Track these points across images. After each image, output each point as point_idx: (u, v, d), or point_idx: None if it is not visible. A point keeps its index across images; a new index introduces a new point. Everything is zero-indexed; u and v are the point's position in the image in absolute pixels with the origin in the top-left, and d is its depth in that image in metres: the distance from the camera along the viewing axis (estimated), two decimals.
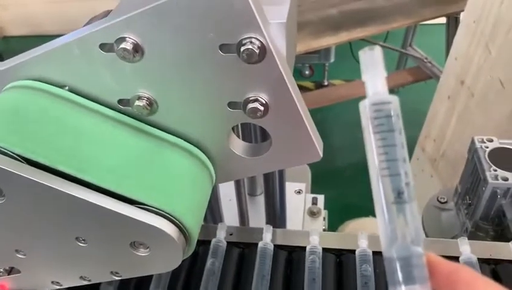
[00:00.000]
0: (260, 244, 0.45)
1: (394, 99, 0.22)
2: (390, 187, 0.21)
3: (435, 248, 0.45)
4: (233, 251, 0.45)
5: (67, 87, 0.34)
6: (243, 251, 0.46)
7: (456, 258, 0.44)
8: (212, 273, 0.43)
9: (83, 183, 0.31)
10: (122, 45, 0.30)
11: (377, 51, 0.23)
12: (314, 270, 0.43)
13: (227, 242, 0.45)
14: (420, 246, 0.22)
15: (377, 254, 0.44)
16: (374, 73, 0.22)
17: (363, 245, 0.45)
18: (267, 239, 0.45)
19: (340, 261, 0.45)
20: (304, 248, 0.45)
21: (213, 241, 0.46)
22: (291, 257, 0.46)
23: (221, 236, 0.46)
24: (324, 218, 0.66)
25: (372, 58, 0.23)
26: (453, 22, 1.70)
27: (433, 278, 0.21)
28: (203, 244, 0.46)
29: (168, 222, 0.32)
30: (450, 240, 0.46)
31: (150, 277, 0.44)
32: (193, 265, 0.45)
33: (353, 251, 0.44)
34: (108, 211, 0.31)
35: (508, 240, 0.47)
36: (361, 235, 0.45)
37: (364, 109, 0.22)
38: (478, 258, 0.43)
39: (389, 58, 2.14)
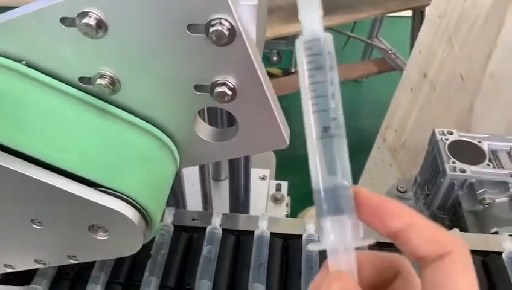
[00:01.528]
0: (257, 232, 0.45)
1: (326, 36, 0.23)
2: (318, 123, 0.22)
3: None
4: (229, 237, 0.46)
5: (24, 62, 0.32)
6: (238, 238, 0.46)
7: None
8: (209, 261, 0.43)
9: (38, 163, 0.30)
10: (85, 20, 0.28)
11: None
12: (312, 259, 0.43)
13: (175, 226, 0.46)
14: (347, 179, 0.22)
15: (277, 236, 0.46)
16: (310, 12, 0.23)
17: (310, 230, 0.46)
18: (263, 227, 0.45)
19: (239, 241, 0.46)
20: (300, 236, 0.46)
21: (208, 228, 0.45)
22: (286, 244, 0.46)
23: (216, 223, 0.46)
24: (287, 204, 0.66)
25: None
26: (419, 16, 1.73)
27: (362, 211, 0.22)
28: (198, 231, 0.46)
29: (127, 204, 0.31)
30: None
31: (143, 264, 0.43)
32: (187, 251, 0.45)
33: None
34: (64, 193, 0.29)
35: (463, 230, 0.49)
36: (262, 217, 0.47)
37: (299, 46, 0.23)
38: None
39: (355, 48, 2.18)
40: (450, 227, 0.61)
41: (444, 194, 0.58)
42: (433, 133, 0.62)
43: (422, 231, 0.21)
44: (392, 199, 0.22)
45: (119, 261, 0.43)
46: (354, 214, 0.22)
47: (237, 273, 0.43)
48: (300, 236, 0.46)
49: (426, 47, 1.16)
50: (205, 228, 0.46)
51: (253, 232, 0.46)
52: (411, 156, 1.15)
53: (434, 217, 0.60)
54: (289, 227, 0.47)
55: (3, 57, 0.32)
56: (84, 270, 0.42)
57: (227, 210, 0.55)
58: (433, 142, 0.62)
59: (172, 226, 0.46)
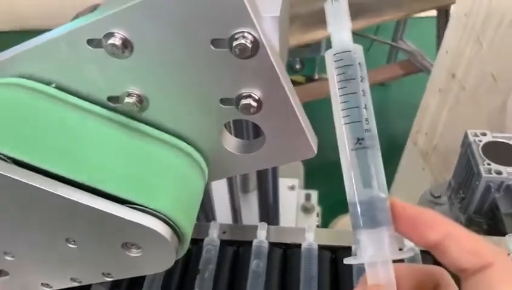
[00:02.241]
0: (255, 242, 0.44)
1: (357, 48, 0.22)
2: (351, 134, 0.21)
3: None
4: (227, 249, 0.45)
5: (54, 85, 0.33)
6: (237, 249, 0.45)
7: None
8: (258, 275, 0.42)
9: (72, 183, 0.30)
10: (111, 41, 0.29)
11: (343, 2, 0.23)
12: (363, 272, 0.41)
13: (221, 241, 0.45)
14: (383, 190, 0.21)
15: (324, 249, 0.45)
16: (339, 24, 0.23)
17: (309, 239, 0.44)
18: (261, 237, 0.44)
19: (336, 258, 0.44)
20: (299, 245, 0.44)
21: (205, 241, 0.45)
22: (286, 254, 0.45)
23: (214, 235, 0.45)
24: (318, 214, 0.66)
25: (338, 9, 0.23)
26: (444, 15, 1.70)
27: (398, 223, 0.21)
28: (196, 243, 0.45)
29: (160, 221, 0.31)
30: None
31: (143, 277, 0.43)
32: (187, 264, 0.44)
33: (349, 248, 0.44)
34: (98, 212, 0.30)
35: (501, 234, 0.47)
36: (308, 229, 0.45)
37: (329, 58, 0.22)
38: None
39: (379, 51, 2.15)
40: (488, 231, 0.59)
41: (480, 197, 0.56)
42: (466, 135, 0.60)
43: (462, 242, 0.20)
44: (427, 209, 0.22)
45: (168, 276, 0.43)
46: (391, 226, 0.21)
47: (287, 288, 0.43)
48: (349, 248, 0.44)
49: (453, 47, 1.14)
50: (251, 242, 0.45)
51: (299, 245, 0.44)
52: (443, 159, 1.12)
53: (471, 222, 0.58)
54: (337, 239, 0.46)
55: (34, 80, 0.33)
56: (134, 285, 0.43)
57: (256, 222, 0.55)
58: (466, 144, 0.60)
59: (219, 241, 0.45)
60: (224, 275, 0.43)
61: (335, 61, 0.22)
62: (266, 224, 0.45)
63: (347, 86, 0.22)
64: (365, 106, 0.22)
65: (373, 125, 0.22)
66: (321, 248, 0.44)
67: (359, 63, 0.22)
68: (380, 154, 0.22)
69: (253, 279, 0.41)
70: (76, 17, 0.41)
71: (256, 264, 0.42)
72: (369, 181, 0.21)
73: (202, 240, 0.44)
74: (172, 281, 0.43)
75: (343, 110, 0.22)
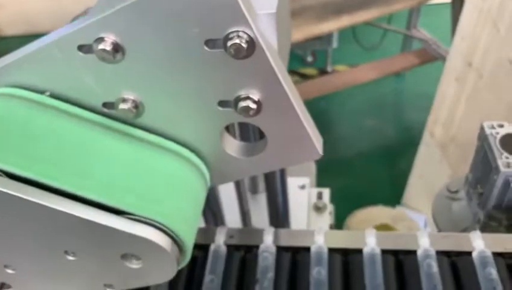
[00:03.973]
0: (261, 247, 0.43)
1: None
2: None
3: (446, 243, 0.43)
4: (235, 255, 0.43)
5: (48, 93, 0.32)
6: (244, 255, 0.44)
7: (469, 253, 0.41)
8: (321, 283, 0.40)
9: (68, 195, 0.29)
10: (101, 46, 0.28)
11: None
12: (433, 276, 0.39)
13: (228, 246, 0.43)
14: None
15: (387, 253, 0.42)
16: None
17: (425, 245, 0.42)
18: (268, 242, 0.43)
19: (347, 261, 0.43)
20: (309, 249, 0.42)
21: (313, 248, 0.42)
22: (295, 258, 0.43)
23: (320, 242, 0.43)
24: (330, 213, 0.64)
25: None
26: (458, 1, 1.65)
27: None
28: (202, 248, 0.44)
29: (159, 232, 0.30)
30: (462, 234, 0.44)
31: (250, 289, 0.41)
32: (193, 271, 0.43)
33: (360, 250, 0.42)
34: (95, 224, 0.29)
35: None
36: (369, 233, 0.43)
37: None
38: (492, 252, 0.41)
39: (393, 41, 2.11)
40: (508, 227, 0.56)
41: (499, 192, 0.54)
42: (482, 127, 0.58)
43: None
44: None
45: (226, 283, 0.42)
46: None
47: None
48: (360, 251, 0.42)
49: (469, 33, 1.10)
50: (308, 248, 0.43)
51: (308, 248, 0.43)
52: (462, 150, 1.09)
53: (490, 218, 0.56)
54: (400, 242, 0.43)
55: (26, 89, 0.32)
56: None
57: (267, 224, 0.54)
58: (482, 137, 0.58)
59: (275, 247, 0.43)
60: (231, 284, 0.42)
61: None
62: (273, 228, 0.43)
63: None
64: None
65: None
66: (331, 250, 0.42)
67: None
68: None
69: (316, 287, 0.40)
70: (74, 20, 0.40)
71: (318, 272, 0.40)
72: None
73: (209, 245, 0.43)
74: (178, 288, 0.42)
75: None
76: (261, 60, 0.28)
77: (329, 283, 0.40)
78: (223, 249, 0.43)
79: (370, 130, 1.78)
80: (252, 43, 0.27)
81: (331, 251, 0.42)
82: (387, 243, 0.43)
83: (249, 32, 0.26)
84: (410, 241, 0.43)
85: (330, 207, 0.64)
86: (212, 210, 0.51)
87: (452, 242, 0.43)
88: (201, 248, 0.43)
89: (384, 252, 0.42)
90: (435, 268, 0.39)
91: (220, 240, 0.43)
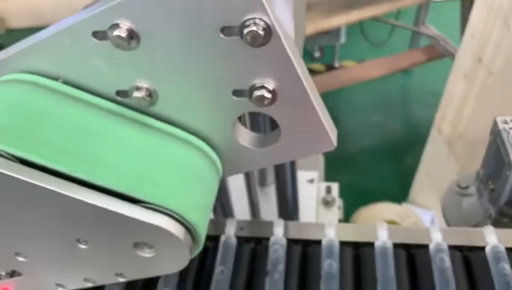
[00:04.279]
0: (272, 239, 0.43)
1: None
2: None
3: (459, 238, 0.42)
4: (245, 247, 0.43)
5: (61, 80, 0.32)
6: (254, 246, 0.44)
7: (481, 248, 0.41)
8: (332, 277, 0.40)
9: (81, 182, 0.29)
10: (116, 32, 0.28)
11: None
12: (445, 271, 0.39)
13: (238, 237, 0.43)
14: None
15: (398, 247, 0.42)
16: None
17: (437, 239, 0.41)
18: (279, 234, 0.42)
19: (358, 254, 0.42)
20: (319, 242, 0.42)
21: (324, 241, 0.42)
22: (305, 251, 0.43)
23: (331, 234, 0.42)
24: (339, 207, 0.63)
25: None
26: None
27: None
28: (213, 240, 0.44)
29: (172, 220, 0.30)
30: (474, 229, 0.43)
31: (261, 282, 0.41)
32: (203, 262, 0.43)
33: (371, 244, 0.42)
34: (109, 212, 0.29)
35: None
36: (380, 226, 0.42)
37: None
38: (505, 247, 0.41)
39: (401, 37, 2.10)
40: None
41: (511, 188, 0.53)
42: (495, 123, 0.57)
43: None
44: None
45: (236, 274, 0.42)
46: None
47: (254, 285, 0.41)
48: (372, 244, 0.42)
49: (479, 30, 1.09)
50: (318, 241, 0.42)
51: (371, 243, 0.42)
52: (469, 147, 1.09)
53: (502, 214, 0.55)
54: (412, 236, 0.43)
55: (41, 76, 0.31)
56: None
57: (275, 217, 0.53)
58: (495, 132, 0.57)
59: (285, 240, 0.43)
60: (241, 276, 0.41)
61: None
62: (283, 220, 0.43)
63: None
64: None
65: None
66: (342, 243, 0.42)
67: None
68: None
69: (327, 280, 0.40)
70: (85, 8, 0.39)
71: (329, 265, 0.40)
72: None
73: (219, 236, 0.43)
74: (188, 280, 0.42)
75: None
76: (277, 48, 0.27)
77: (340, 276, 0.40)
78: (233, 240, 0.43)
79: (376, 126, 1.77)
80: (268, 30, 0.26)
81: (342, 244, 0.42)
82: (398, 237, 0.42)
83: (266, 19, 0.26)
84: (422, 236, 0.42)
85: (339, 201, 0.64)
86: (221, 202, 0.51)
87: (464, 237, 0.42)
88: (212, 239, 0.43)
89: (396, 246, 0.42)
90: (447, 263, 0.39)
91: (230, 232, 0.43)
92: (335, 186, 0.66)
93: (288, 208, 0.52)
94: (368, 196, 1.24)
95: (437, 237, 0.41)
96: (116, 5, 0.27)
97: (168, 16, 0.27)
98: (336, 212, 0.62)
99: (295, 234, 0.43)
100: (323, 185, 0.65)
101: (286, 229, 0.43)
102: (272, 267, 0.40)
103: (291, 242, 0.43)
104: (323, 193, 0.64)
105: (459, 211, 0.62)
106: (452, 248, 0.41)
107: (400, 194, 1.42)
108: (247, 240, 0.44)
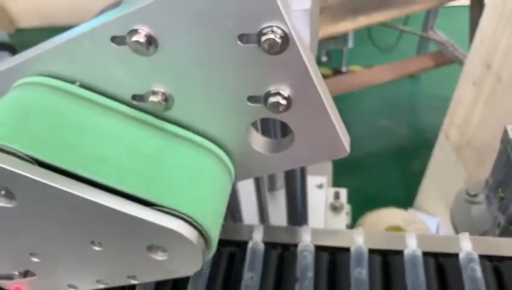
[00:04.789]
0: (300, 246, 0.43)
1: None
2: None
3: (487, 247, 0.42)
4: (272, 253, 0.43)
5: (78, 83, 0.32)
6: (282, 252, 0.44)
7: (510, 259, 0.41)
8: (362, 283, 0.40)
9: (97, 185, 0.29)
10: (135, 38, 0.28)
11: None
12: (477, 280, 0.39)
13: (265, 243, 0.43)
14: None
15: (427, 255, 0.42)
16: None
17: (467, 248, 0.41)
18: (307, 240, 0.43)
19: (387, 262, 0.42)
20: (348, 249, 0.42)
21: (353, 248, 0.42)
22: (334, 258, 0.43)
23: (360, 242, 0.43)
24: (347, 213, 0.63)
25: None
26: (477, 3, 1.63)
27: None
28: (240, 246, 0.44)
29: (186, 224, 0.30)
30: (504, 239, 0.43)
31: (186, 278, 0.42)
32: (230, 267, 0.43)
33: (400, 252, 0.42)
34: (123, 214, 0.29)
35: None
36: (409, 234, 0.42)
37: None
38: None
39: (409, 42, 2.09)
40: None
41: None
42: (505, 131, 0.57)
43: None
44: None
45: (263, 282, 0.42)
46: None
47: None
48: (455, 255, 0.42)
49: (489, 36, 1.09)
50: (347, 248, 0.42)
51: (400, 251, 0.42)
52: (477, 154, 1.08)
53: (511, 223, 0.55)
54: (441, 244, 0.43)
55: (58, 79, 0.32)
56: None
57: (284, 222, 0.54)
58: (505, 140, 0.57)
59: (313, 246, 0.43)
60: (323, 283, 0.41)
61: None
62: (310, 227, 0.43)
63: None
64: None
65: None
66: (371, 251, 0.42)
67: None
68: None
69: (356, 288, 0.40)
70: (101, 13, 0.40)
71: (359, 272, 0.40)
72: None
73: (246, 242, 0.43)
74: (216, 284, 0.42)
75: None
76: (294, 56, 0.28)
77: (369, 284, 0.40)
78: (261, 246, 0.43)
79: (384, 131, 1.77)
80: (286, 38, 0.27)
81: (370, 251, 0.42)
82: (427, 245, 0.42)
83: (284, 27, 0.26)
84: (451, 244, 0.42)
85: (347, 207, 0.64)
86: (230, 206, 0.51)
87: (493, 246, 0.42)
88: (238, 245, 0.44)
89: (424, 254, 0.42)
90: (479, 272, 0.39)
91: (257, 237, 0.43)
92: (343, 192, 0.66)
93: (297, 213, 0.52)
94: (374, 200, 1.24)
95: (467, 247, 0.41)
96: (135, 11, 0.28)
97: (187, 23, 0.27)
98: (344, 218, 0.62)
99: (323, 241, 0.43)
100: (332, 190, 0.65)
101: (314, 236, 0.43)
102: (301, 274, 0.40)
103: (318, 249, 0.43)
104: (331, 199, 0.64)
105: (468, 218, 0.62)
106: (481, 258, 0.41)
107: (407, 200, 1.42)
108: (273, 246, 0.44)
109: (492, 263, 0.42)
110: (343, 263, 0.42)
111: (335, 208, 0.62)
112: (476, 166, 1.09)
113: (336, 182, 0.86)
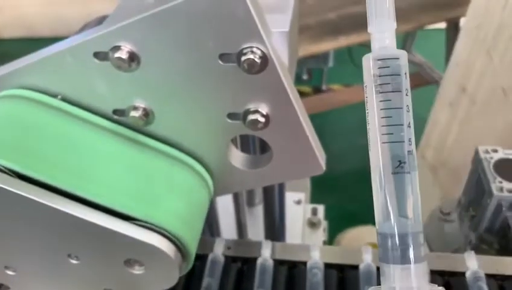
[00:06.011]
0: (259, 260, 0.43)
1: (403, 55, 0.19)
2: (390, 155, 0.19)
3: (441, 263, 0.43)
4: (232, 266, 0.43)
5: (60, 97, 0.33)
6: (242, 266, 0.44)
7: (462, 274, 0.42)
8: None
9: (75, 198, 0.30)
10: (117, 54, 0.29)
11: None
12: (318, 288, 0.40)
13: (225, 256, 0.44)
14: (418, 222, 0.19)
15: (433, 273, 0.42)
16: (382, 23, 0.19)
17: (474, 267, 0.41)
18: (266, 254, 0.43)
19: (343, 277, 0.43)
20: (305, 263, 0.43)
21: (210, 258, 0.43)
22: (292, 272, 0.44)
23: (218, 251, 0.44)
24: (324, 229, 0.64)
25: (382, 5, 0.19)
26: (453, 28, 1.69)
27: None
28: (200, 259, 0.44)
29: (163, 238, 0.30)
30: (456, 255, 0.44)
31: None
32: (189, 281, 0.43)
33: (356, 267, 0.42)
34: (101, 228, 0.29)
35: None
36: (365, 249, 0.43)
37: (368, 63, 0.19)
38: (485, 274, 0.42)
39: None
40: (499, 251, 0.57)
41: (491, 216, 0.55)
42: (477, 152, 0.59)
43: None
44: None
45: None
46: (425, 263, 0.19)
47: None
48: (356, 267, 0.42)
49: (463, 60, 1.12)
50: (356, 266, 0.42)
51: (305, 262, 0.43)
52: (453, 174, 1.11)
53: (481, 240, 0.57)
54: (447, 263, 0.43)
55: (40, 92, 0.32)
56: None
57: (262, 236, 0.54)
58: (476, 161, 0.59)
59: (323, 264, 0.43)
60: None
61: (379, 68, 0.19)
62: (270, 242, 0.44)
63: (391, 100, 0.19)
64: (409, 123, 0.19)
65: (414, 147, 0.20)
66: (328, 266, 0.43)
67: (405, 73, 0.20)
68: (417, 180, 0.20)
69: None
70: (83, 28, 0.40)
71: (260, 283, 0.41)
72: (405, 211, 0.19)
73: (207, 255, 0.43)
74: None
75: (383, 126, 0.19)
76: (272, 76, 0.29)
77: None
78: (221, 259, 0.43)
79: (363, 149, 1.78)
80: (265, 59, 0.28)
81: (378, 269, 0.42)
82: (433, 264, 0.43)
83: (263, 48, 0.27)
84: (457, 263, 0.43)
85: (324, 223, 0.65)
86: (208, 221, 0.51)
87: (497, 265, 0.43)
88: (199, 258, 0.44)
89: (432, 272, 0.42)
90: None
91: (218, 251, 0.43)
92: (321, 208, 0.67)
93: (275, 229, 0.52)
94: (352, 218, 1.25)
95: (473, 265, 0.42)
96: (119, 28, 0.28)
97: (169, 41, 0.28)
98: (321, 234, 0.63)
99: (332, 259, 0.44)
100: (309, 206, 0.66)
101: (322, 254, 0.43)
102: None
103: (326, 266, 0.43)
104: (309, 215, 0.65)
105: (442, 236, 0.63)
106: (487, 276, 0.41)
107: None
108: (234, 259, 0.44)
109: (497, 281, 0.42)
110: (352, 280, 0.42)
111: (312, 224, 0.63)
112: (451, 186, 1.12)
113: (314, 199, 0.87)
